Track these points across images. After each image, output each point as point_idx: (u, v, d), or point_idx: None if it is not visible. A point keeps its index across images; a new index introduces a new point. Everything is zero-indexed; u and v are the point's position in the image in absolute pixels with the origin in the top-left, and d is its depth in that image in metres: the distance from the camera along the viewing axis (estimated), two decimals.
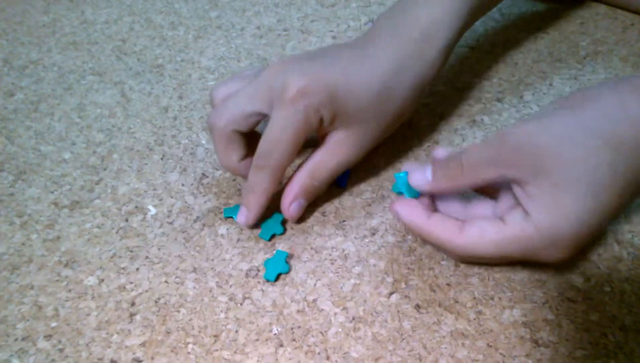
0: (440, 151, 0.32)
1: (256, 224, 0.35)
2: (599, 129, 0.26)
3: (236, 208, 0.36)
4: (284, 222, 0.35)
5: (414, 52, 0.35)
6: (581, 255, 0.33)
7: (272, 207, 0.35)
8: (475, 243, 0.29)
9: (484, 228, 0.29)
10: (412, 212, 0.31)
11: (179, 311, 0.32)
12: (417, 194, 0.32)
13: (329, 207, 0.37)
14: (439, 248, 0.32)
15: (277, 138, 0.32)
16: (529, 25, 0.53)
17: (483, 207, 0.33)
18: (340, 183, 0.37)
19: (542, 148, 0.27)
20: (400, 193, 0.33)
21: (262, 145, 0.32)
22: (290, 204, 0.34)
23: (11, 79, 0.50)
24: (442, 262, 0.33)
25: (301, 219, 0.36)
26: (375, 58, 0.34)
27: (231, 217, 0.36)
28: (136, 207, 0.38)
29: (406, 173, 0.32)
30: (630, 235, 0.34)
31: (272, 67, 0.33)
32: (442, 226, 0.30)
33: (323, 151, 0.34)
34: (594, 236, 0.29)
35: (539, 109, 0.43)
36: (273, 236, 0.34)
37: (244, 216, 0.34)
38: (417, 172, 0.31)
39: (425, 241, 0.33)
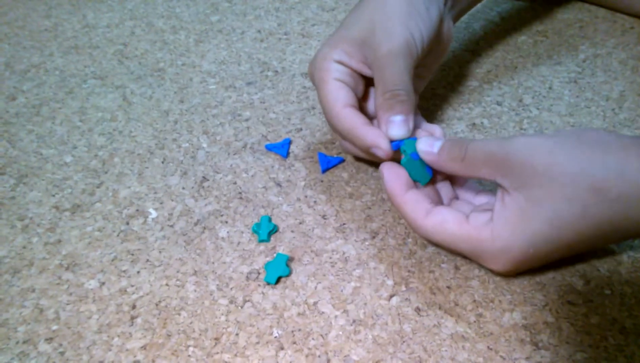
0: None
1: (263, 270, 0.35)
2: (594, 174, 0.27)
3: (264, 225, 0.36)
4: (288, 262, 0.34)
5: None
6: (581, 257, 0.33)
7: (275, 249, 0.35)
8: (434, 230, 0.31)
9: (447, 219, 0.30)
10: (394, 180, 0.32)
11: (179, 314, 0.32)
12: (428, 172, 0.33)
13: (330, 210, 0.37)
14: (406, 222, 0.33)
15: (328, 113, 0.36)
16: (529, 29, 0.53)
17: (466, 190, 0.35)
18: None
19: (535, 168, 0.28)
20: (405, 152, 0.33)
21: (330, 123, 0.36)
22: (385, 124, 0.34)
23: (13, 83, 0.50)
24: (443, 265, 0.33)
25: (301, 221, 0.36)
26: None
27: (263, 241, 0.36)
28: (137, 210, 0.38)
29: (415, 139, 0.33)
30: (630, 238, 0.34)
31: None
32: (413, 205, 0.31)
33: (374, 76, 0.35)
34: (541, 263, 0.31)
35: (539, 113, 0.44)
36: (280, 278, 0.33)
37: (382, 152, 0.34)
38: (427, 140, 0.32)
39: (397, 211, 0.35)
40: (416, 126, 0.35)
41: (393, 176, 0.32)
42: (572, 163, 0.27)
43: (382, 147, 0.33)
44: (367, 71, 0.36)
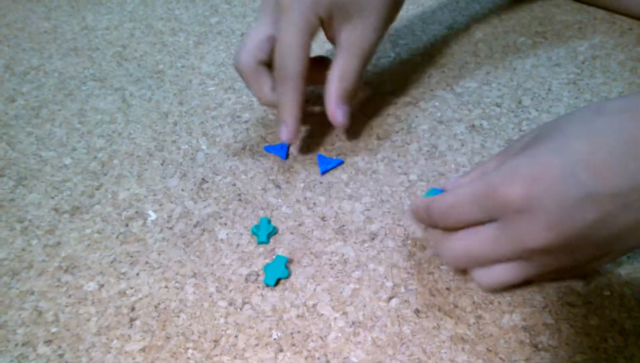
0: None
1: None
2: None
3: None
4: (287, 264, 0.34)
5: None
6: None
7: (274, 251, 0.35)
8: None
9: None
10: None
11: (178, 317, 0.32)
12: None
13: (329, 212, 0.37)
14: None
15: (285, 45, 0.35)
16: (528, 31, 0.53)
17: None
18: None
19: (545, 125, 0.28)
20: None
21: (276, 58, 0.35)
22: (335, 113, 0.37)
23: (12, 85, 0.50)
24: (442, 267, 0.33)
25: (300, 223, 0.36)
26: None
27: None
28: (136, 212, 0.38)
29: (436, 191, 0.32)
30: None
31: None
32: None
33: (341, 54, 0.37)
34: (557, 186, 0.25)
35: (538, 114, 0.44)
36: (279, 280, 0.33)
37: (284, 131, 0.37)
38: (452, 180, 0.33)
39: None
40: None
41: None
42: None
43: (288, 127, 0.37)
44: (329, 40, 0.38)
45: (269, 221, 0.36)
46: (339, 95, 0.37)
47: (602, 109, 0.26)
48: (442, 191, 0.32)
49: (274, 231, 0.36)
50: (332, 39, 0.38)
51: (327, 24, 0.36)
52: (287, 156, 0.41)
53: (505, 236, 0.27)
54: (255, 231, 0.35)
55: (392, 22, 0.39)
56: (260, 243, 0.35)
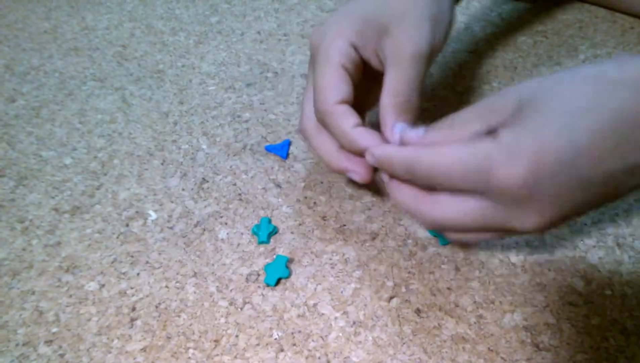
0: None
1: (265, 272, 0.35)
2: (586, 72, 0.25)
3: None
4: (288, 264, 0.34)
5: None
6: (582, 257, 0.33)
7: (275, 250, 0.35)
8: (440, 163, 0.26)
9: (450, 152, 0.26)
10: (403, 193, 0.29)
11: (179, 316, 0.32)
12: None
13: (330, 211, 0.37)
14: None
15: (318, 87, 0.31)
16: (529, 29, 0.53)
17: None
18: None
19: (530, 87, 0.25)
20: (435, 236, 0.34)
21: (314, 106, 0.32)
22: (392, 130, 0.31)
23: (12, 85, 0.50)
24: (443, 266, 0.33)
25: (301, 223, 0.36)
26: None
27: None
28: (137, 212, 0.38)
29: None
30: (631, 239, 0.34)
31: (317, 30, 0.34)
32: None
33: (389, 69, 0.32)
34: (560, 172, 0.24)
35: None
36: (279, 280, 0.33)
37: (357, 177, 0.32)
38: (412, 131, 0.30)
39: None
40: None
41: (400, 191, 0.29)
42: (570, 74, 0.25)
43: (360, 170, 0.32)
44: (375, 63, 0.33)
45: (270, 221, 0.36)
46: (394, 110, 0.31)
47: (601, 78, 0.25)
48: None
49: (274, 231, 0.36)
50: (378, 64, 0.34)
51: (367, 49, 0.32)
52: (287, 156, 0.41)
53: (491, 215, 0.26)
54: (255, 231, 0.35)
55: (440, 37, 0.34)
56: (260, 242, 0.35)
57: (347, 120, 0.31)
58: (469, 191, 0.26)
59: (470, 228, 0.27)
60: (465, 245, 0.34)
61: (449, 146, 0.26)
